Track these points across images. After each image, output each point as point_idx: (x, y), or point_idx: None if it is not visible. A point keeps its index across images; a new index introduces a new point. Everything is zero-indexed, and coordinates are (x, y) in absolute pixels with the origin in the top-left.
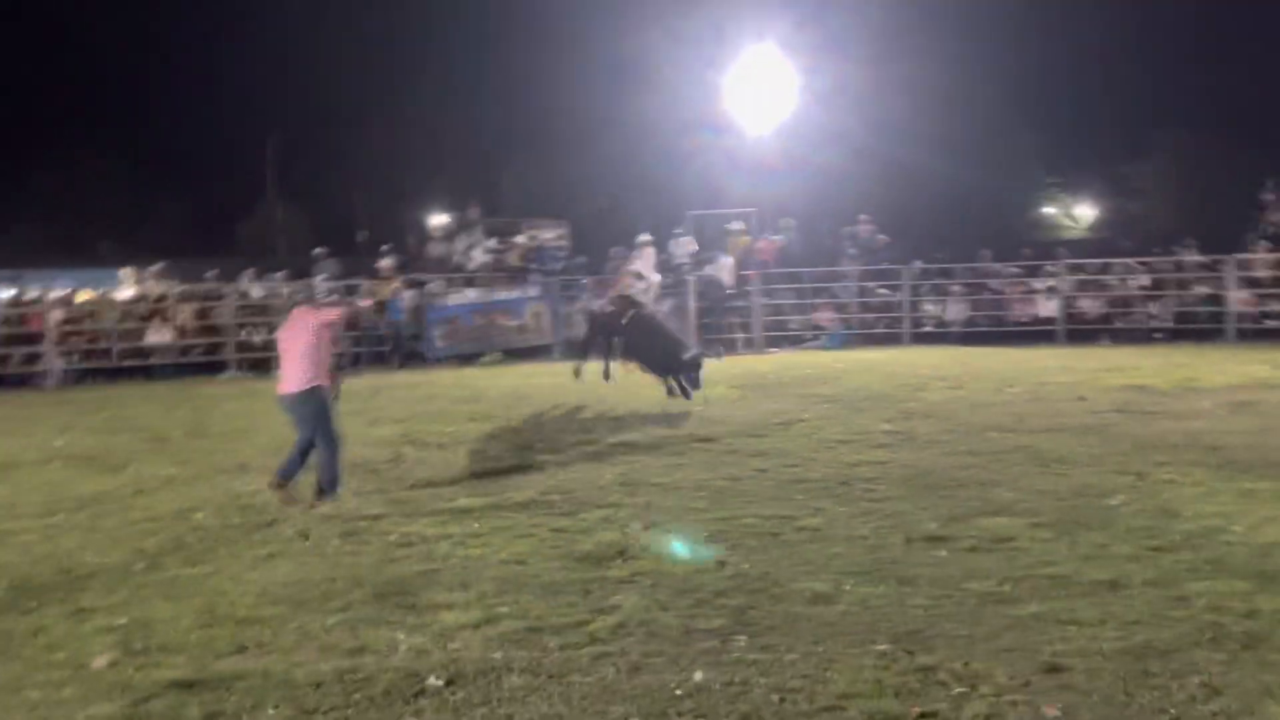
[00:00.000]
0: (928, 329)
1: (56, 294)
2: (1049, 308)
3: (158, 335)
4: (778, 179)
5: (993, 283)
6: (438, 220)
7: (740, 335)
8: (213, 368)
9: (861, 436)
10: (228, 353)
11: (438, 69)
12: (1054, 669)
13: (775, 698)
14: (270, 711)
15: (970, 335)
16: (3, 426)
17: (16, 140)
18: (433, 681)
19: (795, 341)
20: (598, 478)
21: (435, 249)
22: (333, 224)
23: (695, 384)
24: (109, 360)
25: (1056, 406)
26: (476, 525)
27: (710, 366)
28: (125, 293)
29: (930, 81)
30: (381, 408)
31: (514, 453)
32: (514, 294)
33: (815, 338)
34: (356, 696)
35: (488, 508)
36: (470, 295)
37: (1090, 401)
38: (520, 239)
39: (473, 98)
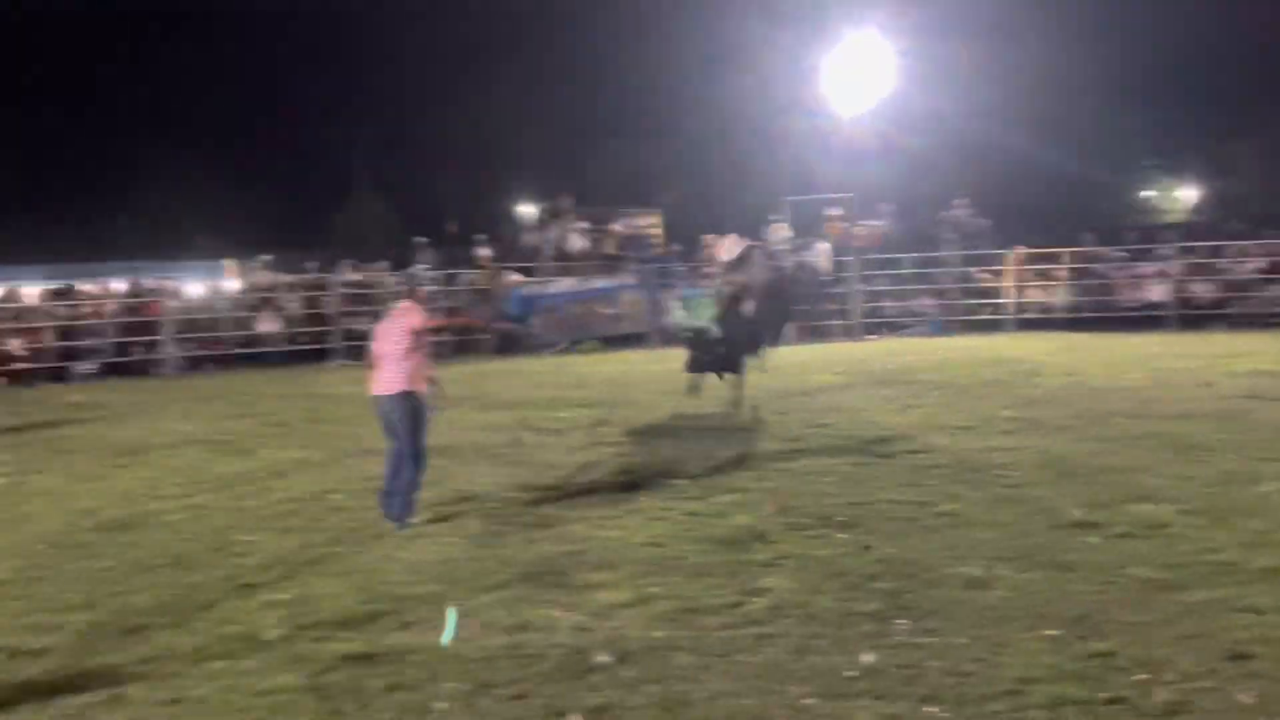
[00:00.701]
0: (1031, 315)
1: (172, 285)
2: (1159, 292)
3: (268, 324)
4: (873, 163)
5: (1098, 267)
6: (529, 209)
7: (838, 322)
8: (319, 355)
9: (984, 423)
10: (334, 341)
11: (528, 55)
12: (1239, 656)
13: (950, 680)
14: (448, 685)
15: (1076, 321)
16: (129, 412)
17: (120, 137)
18: (601, 658)
19: (894, 328)
20: (717, 462)
21: (529, 238)
22: (422, 215)
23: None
24: (222, 349)
25: (1182, 393)
26: (608, 509)
27: (805, 354)
28: (232, 284)
29: (1028, 62)
30: (491, 394)
31: (630, 437)
32: (611, 282)
33: (915, 324)
34: (529, 671)
35: (614, 490)
36: (567, 284)
37: (1217, 387)
38: (615, 227)
39: (562, 85)
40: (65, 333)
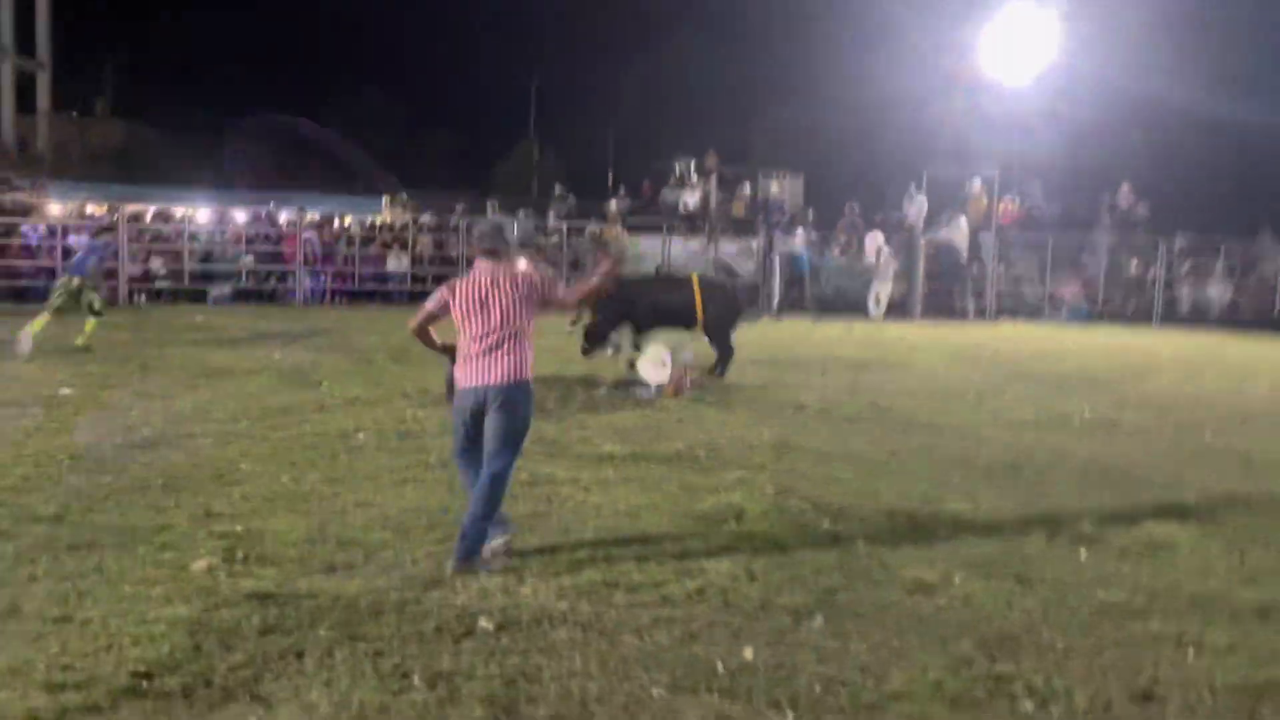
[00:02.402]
0: (1182, 311)
1: (310, 217)
2: None
3: (396, 263)
4: (1030, 136)
5: (1267, 266)
6: (681, 166)
7: (972, 303)
8: None
9: (1056, 420)
10: None
11: (698, 15)
12: (1147, 696)
13: (818, 688)
14: (321, 632)
15: (1234, 322)
16: (238, 337)
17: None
18: (484, 624)
19: (1032, 313)
20: (755, 437)
21: (669, 195)
22: (586, 167)
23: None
24: (352, 284)
25: None
26: (611, 473)
27: (924, 334)
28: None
29: (1214, 17)
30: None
31: (677, 405)
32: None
33: (1054, 311)
34: (407, 629)
35: (631, 457)
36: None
37: None
38: (745, 190)
39: (730, 47)
40: (205, 256)
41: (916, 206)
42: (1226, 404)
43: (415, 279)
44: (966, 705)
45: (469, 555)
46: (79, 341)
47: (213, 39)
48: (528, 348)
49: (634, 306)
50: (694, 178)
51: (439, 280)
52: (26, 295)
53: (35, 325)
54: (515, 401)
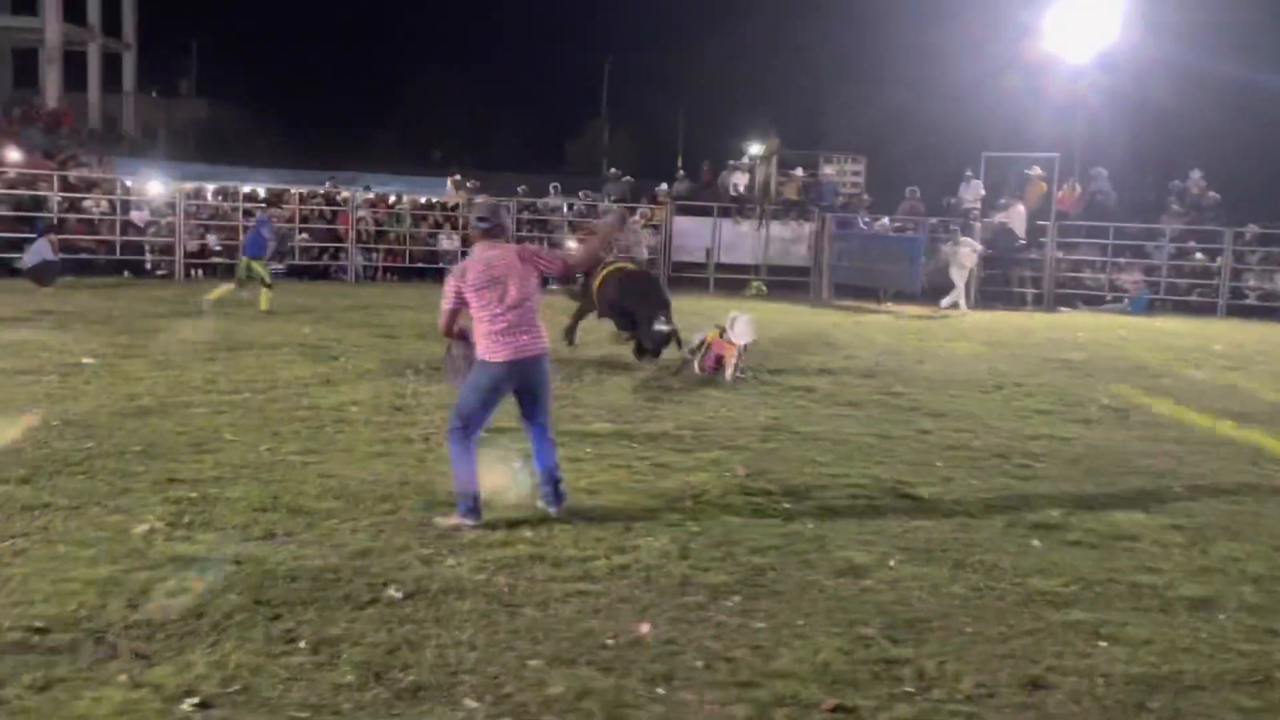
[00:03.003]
0: (1249, 301)
1: (366, 196)
2: None
3: (448, 242)
4: (1095, 118)
5: None
6: (753, 148)
7: (1030, 290)
8: None
9: (1069, 409)
10: None
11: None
12: (1036, 685)
13: (700, 663)
14: (231, 597)
15: None
16: (278, 312)
17: (381, 58)
18: (392, 593)
19: (1091, 301)
20: (749, 419)
21: (727, 177)
22: (658, 149)
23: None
24: (404, 261)
25: None
26: (588, 450)
27: (975, 321)
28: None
29: None
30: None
31: (685, 387)
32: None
33: (1116, 299)
34: (314, 595)
35: (614, 435)
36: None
37: None
38: (797, 172)
39: (802, 27)
40: None
41: (973, 191)
42: (1259, 397)
43: (464, 257)
44: (845, 685)
45: (562, 496)
46: (264, 307)
47: (292, 19)
48: (539, 318)
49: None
50: (748, 159)
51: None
52: (90, 268)
53: (216, 293)
54: (547, 369)
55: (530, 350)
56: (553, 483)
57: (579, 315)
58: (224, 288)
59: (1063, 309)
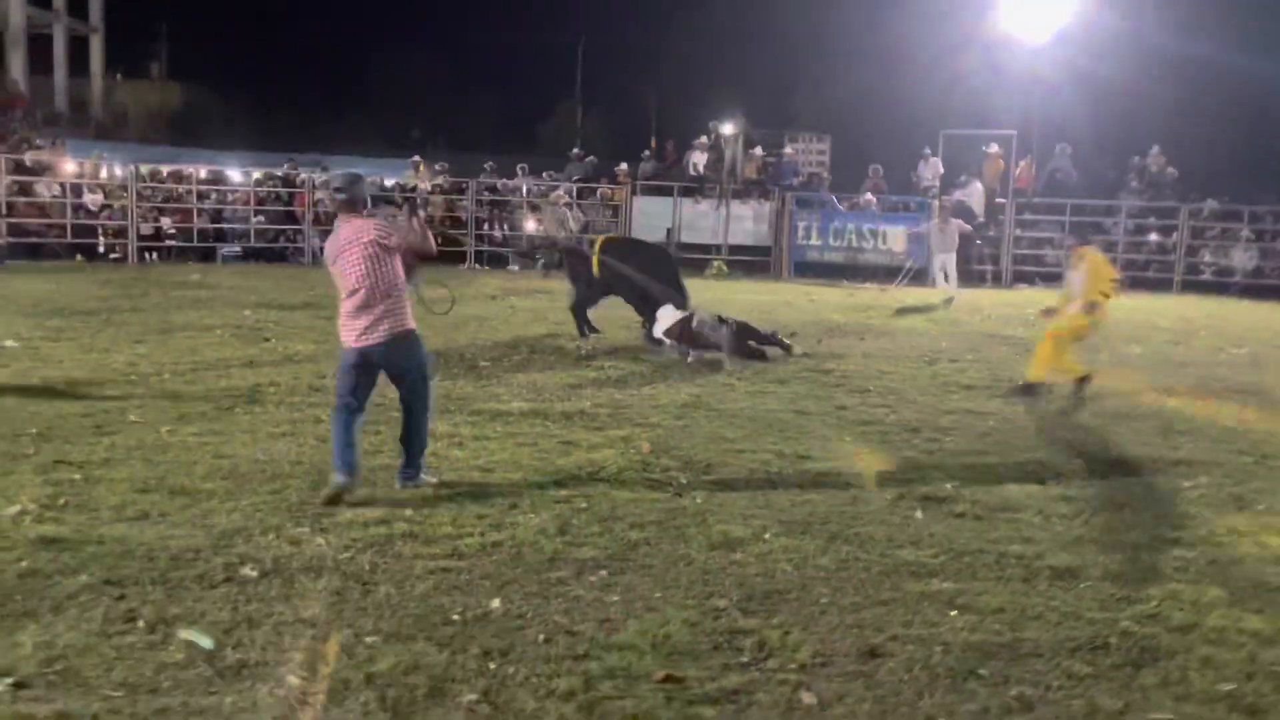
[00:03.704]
0: (1205, 277)
1: (322, 178)
2: None
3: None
4: (1054, 96)
5: None
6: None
7: (989, 268)
8: (456, 259)
9: (996, 384)
10: (467, 245)
11: None
12: (872, 653)
13: (541, 637)
14: (83, 578)
15: (1257, 289)
16: (225, 295)
17: (353, 39)
18: (247, 572)
19: (1049, 279)
20: (669, 397)
21: (692, 157)
22: (631, 129)
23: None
24: None
25: (1263, 375)
26: (497, 429)
27: (930, 297)
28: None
29: None
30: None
31: (617, 368)
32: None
33: None
34: (169, 574)
35: (530, 413)
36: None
37: None
38: (756, 151)
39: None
40: (214, 216)
41: (932, 169)
42: (1193, 370)
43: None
44: (683, 656)
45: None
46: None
47: (265, 1)
48: (400, 300)
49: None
50: (710, 139)
51: (448, 242)
52: (39, 252)
53: None
54: (404, 351)
55: (370, 339)
56: (410, 462)
57: (581, 305)
58: None
59: (1021, 286)
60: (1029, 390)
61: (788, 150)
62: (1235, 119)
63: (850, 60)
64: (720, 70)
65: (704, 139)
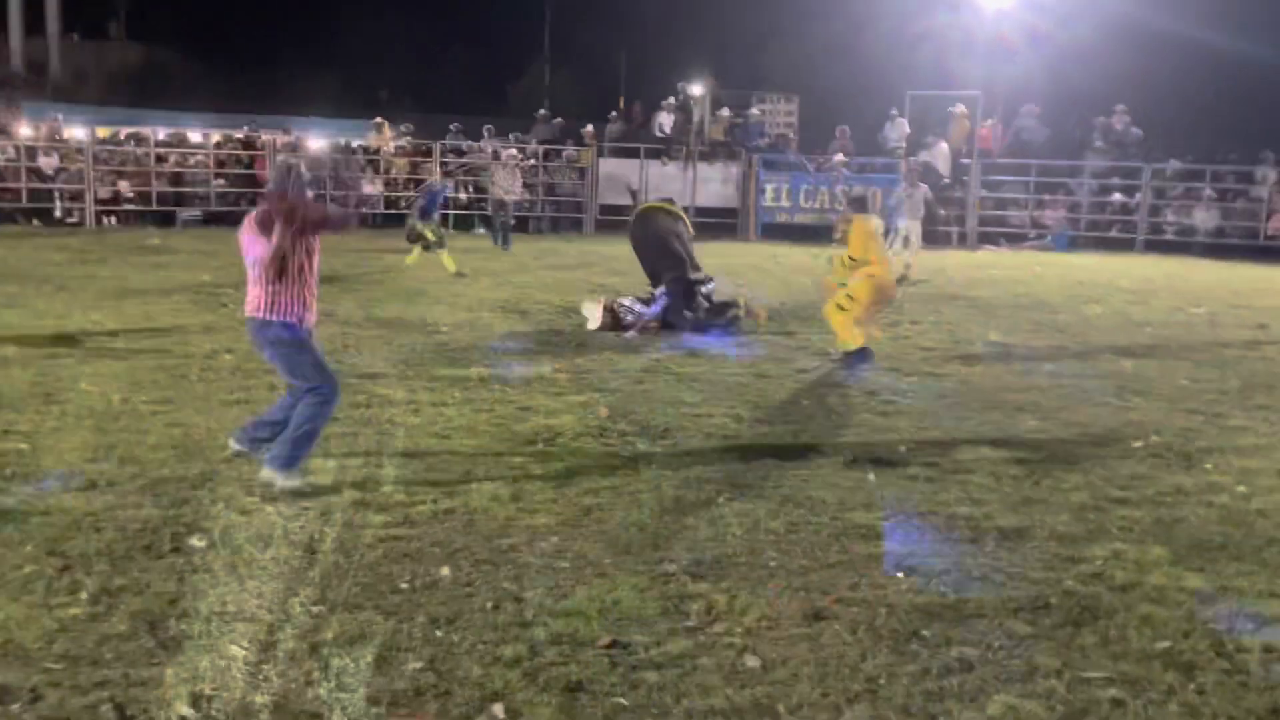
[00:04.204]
0: (1168, 237)
1: (284, 139)
2: None
3: (370, 186)
4: (1019, 58)
5: (1256, 190)
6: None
7: (954, 229)
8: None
9: (956, 346)
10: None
11: None
12: (817, 616)
13: (490, 604)
14: (27, 549)
15: (1218, 248)
16: (184, 260)
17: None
18: (194, 543)
19: (1014, 239)
20: (628, 362)
21: (659, 118)
22: (600, 91)
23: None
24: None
25: (1219, 334)
26: (455, 395)
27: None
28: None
29: None
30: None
31: (591, 337)
32: None
33: (1038, 237)
34: (116, 547)
35: (491, 379)
36: None
37: (1268, 331)
38: (723, 112)
39: None
40: (175, 179)
41: (898, 130)
42: (1151, 330)
43: (389, 202)
44: (630, 621)
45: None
46: (452, 271)
47: None
48: (281, 285)
49: None
50: (677, 100)
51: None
52: None
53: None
54: (272, 338)
55: (246, 310)
56: (256, 437)
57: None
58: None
59: (986, 247)
60: (860, 356)
61: (754, 111)
62: (1200, 79)
63: (817, 19)
64: (690, 30)
65: (671, 100)
